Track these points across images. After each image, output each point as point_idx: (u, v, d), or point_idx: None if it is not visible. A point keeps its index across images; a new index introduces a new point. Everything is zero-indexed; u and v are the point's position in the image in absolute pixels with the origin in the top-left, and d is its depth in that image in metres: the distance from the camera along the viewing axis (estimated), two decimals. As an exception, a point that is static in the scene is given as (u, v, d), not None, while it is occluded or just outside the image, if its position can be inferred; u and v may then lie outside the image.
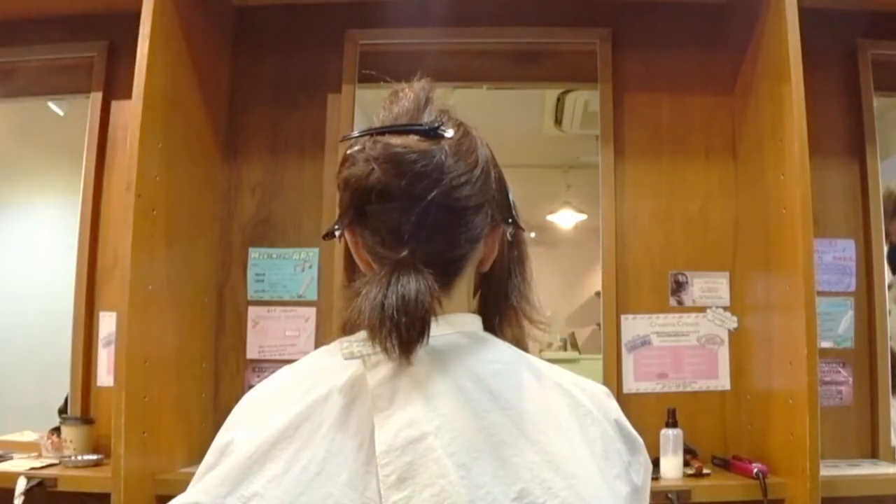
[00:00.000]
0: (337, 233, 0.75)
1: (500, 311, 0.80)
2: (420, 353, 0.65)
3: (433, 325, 0.65)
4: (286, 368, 0.74)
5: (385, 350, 0.64)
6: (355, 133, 0.72)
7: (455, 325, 0.71)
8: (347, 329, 0.72)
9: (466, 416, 0.64)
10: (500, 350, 0.73)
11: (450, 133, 0.69)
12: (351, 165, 0.70)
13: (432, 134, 0.69)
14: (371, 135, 0.70)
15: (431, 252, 0.68)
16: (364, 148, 0.69)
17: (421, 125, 0.69)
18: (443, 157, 0.68)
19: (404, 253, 0.67)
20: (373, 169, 0.68)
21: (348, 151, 0.72)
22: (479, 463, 0.62)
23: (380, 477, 0.62)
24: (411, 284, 0.64)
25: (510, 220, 0.78)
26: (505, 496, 0.62)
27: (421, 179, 0.67)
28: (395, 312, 0.63)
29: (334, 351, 0.71)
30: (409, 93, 0.72)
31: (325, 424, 0.65)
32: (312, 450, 0.64)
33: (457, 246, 0.71)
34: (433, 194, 0.67)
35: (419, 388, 0.65)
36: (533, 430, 0.66)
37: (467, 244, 0.72)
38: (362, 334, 0.68)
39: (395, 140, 0.68)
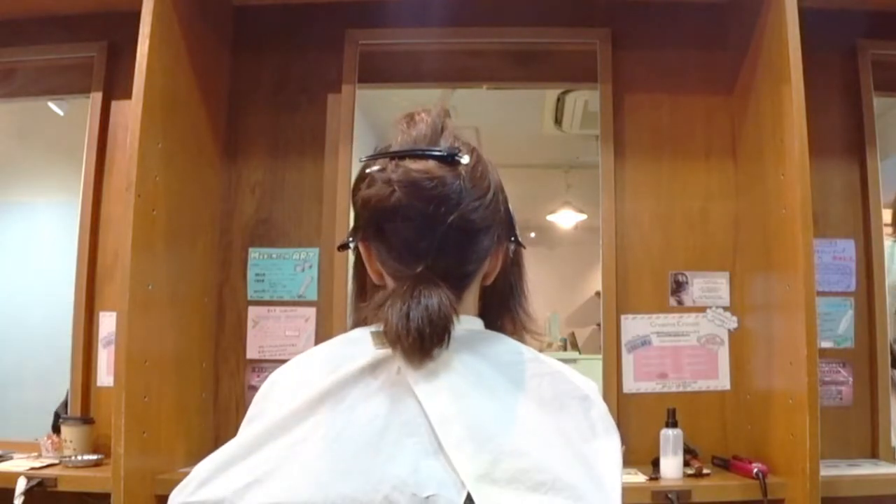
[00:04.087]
0: (351, 245, 0.81)
1: (501, 319, 0.86)
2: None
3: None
4: (308, 356, 0.79)
5: (406, 356, 0.70)
6: (376, 154, 0.76)
7: (467, 323, 0.77)
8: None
9: (490, 393, 0.72)
10: (508, 342, 0.80)
11: (466, 160, 0.74)
12: (370, 185, 0.74)
13: (450, 160, 0.74)
14: (391, 157, 0.74)
15: (445, 267, 0.74)
16: (385, 169, 0.74)
17: (439, 150, 0.74)
18: (460, 183, 0.73)
19: (420, 268, 0.73)
20: (394, 190, 0.72)
21: (367, 171, 0.76)
22: (519, 425, 0.70)
23: (442, 441, 0.67)
24: (433, 298, 0.71)
25: (512, 239, 0.84)
26: (551, 443, 0.70)
27: (441, 204, 0.72)
28: (420, 322, 0.69)
29: (356, 340, 0.76)
30: (426, 118, 0.77)
31: (347, 400, 0.70)
32: (332, 421, 0.69)
33: (468, 262, 0.77)
34: (451, 218, 0.72)
35: (449, 370, 0.72)
36: (549, 405, 0.73)
37: (477, 261, 0.78)
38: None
39: (416, 165, 0.73)
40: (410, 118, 0.78)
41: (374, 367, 0.72)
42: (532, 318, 0.89)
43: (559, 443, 0.70)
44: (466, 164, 0.74)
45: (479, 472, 0.66)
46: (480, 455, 0.67)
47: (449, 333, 0.71)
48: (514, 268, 0.87)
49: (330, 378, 0.72)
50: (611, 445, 0.74)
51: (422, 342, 0.69)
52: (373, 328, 0.73)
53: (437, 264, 0.74)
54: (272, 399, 0.75)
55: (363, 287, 0.84)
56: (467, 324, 0.78)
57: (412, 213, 0.72)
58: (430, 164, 0.73)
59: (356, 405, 0.70)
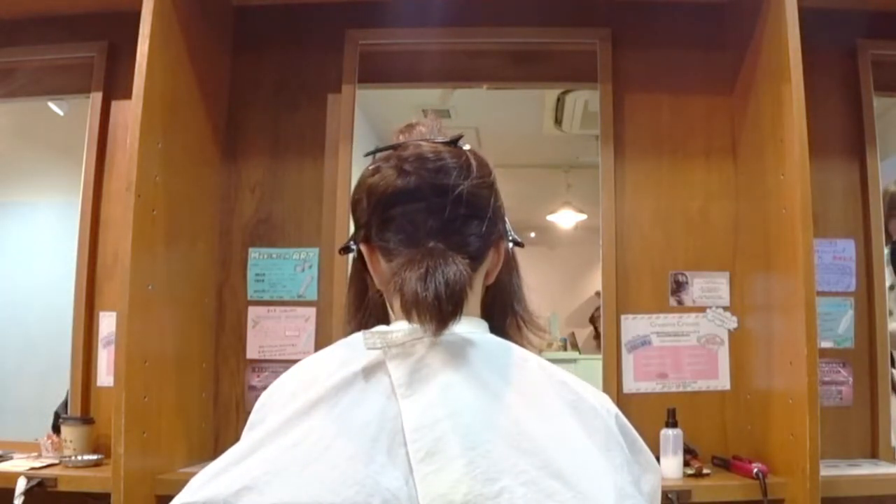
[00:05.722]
0: (353, 247, 0.81)
1: (505, 317, 0.87)
2: (441, 344, 0.72)
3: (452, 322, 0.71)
4: (308, 361, 0.79)
5: (422, 323, 0.69)
6: (381, 147, 0.79)
7: (469, 325, 0.77)
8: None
9: (484, 398, 0.70)
10: (510, 346, 0.79)
11: (467, 146, 0.80)
12: (375, 173, 0.77)
13: (454, 145, 0.79)
14: (395, 148, 0.78)
15: (453, 245, 0.75)
16: (390, 157, 0.77)
17: (444, 138, 0.79)
18: (466, 159, 0.77)
19: (431, 244, 0.74)
20: (403, 170, 0.75)
21: (372, 166, 0.79)
22: (502, 439, 0.68)
23: (410, 452, 0.66)
24: (450, 266, 0.71)
25: (510, 238, 0.86)
26: (531, 466, 0.67)
27: (451, 172, 0.75)
28: (437, 284, 0.69)
29: (354, 344, 0.76)
30: (422, 128, 0.82)
31: (340, 405, 0.70)
32: (325, 427, 0.69)
33: (474, 242, 0.78)
34: (460, 188, 0.75)
35: (440, 374, 0.71)
36: (546, 412, 0.71)
37: (479, 241, 0.78)
38: (382, 328, 0.74)
39: (425, 145, 0.77)
40: (409, 126, 0.82)
41: (367, 372, 0.72)
42: (533, 315, 0.89)
43: (540, 464, 0.67)
44: (469, 150, 0.79)
45: (438, 490, 0.65)
46: (445, 471, 0.65)
47: (462, 304, 0.70)
48: (511, 266, 0.88)
49: (326, 383, 0.71)
50: (604, 463, 0.71)
51: (440, 309, 0.68)
52: (365, 331, 0.73)
53: (447, 241, 0.75)
54: (272, 405, 0.76)
55: (361, 295, 0.85)
56: (469, 325, 0.76)
57: (423, 189, 0.75)
58: (437, 145, 0.78)
59: (349, 410, 0.69)
